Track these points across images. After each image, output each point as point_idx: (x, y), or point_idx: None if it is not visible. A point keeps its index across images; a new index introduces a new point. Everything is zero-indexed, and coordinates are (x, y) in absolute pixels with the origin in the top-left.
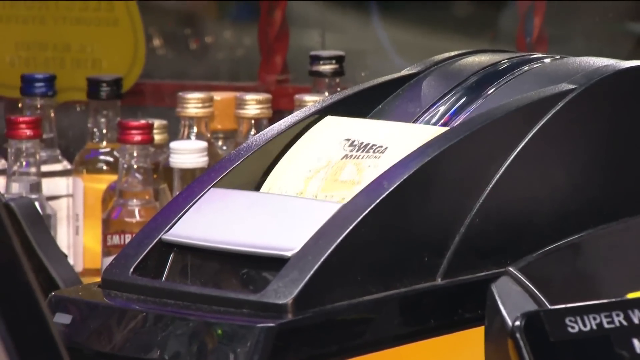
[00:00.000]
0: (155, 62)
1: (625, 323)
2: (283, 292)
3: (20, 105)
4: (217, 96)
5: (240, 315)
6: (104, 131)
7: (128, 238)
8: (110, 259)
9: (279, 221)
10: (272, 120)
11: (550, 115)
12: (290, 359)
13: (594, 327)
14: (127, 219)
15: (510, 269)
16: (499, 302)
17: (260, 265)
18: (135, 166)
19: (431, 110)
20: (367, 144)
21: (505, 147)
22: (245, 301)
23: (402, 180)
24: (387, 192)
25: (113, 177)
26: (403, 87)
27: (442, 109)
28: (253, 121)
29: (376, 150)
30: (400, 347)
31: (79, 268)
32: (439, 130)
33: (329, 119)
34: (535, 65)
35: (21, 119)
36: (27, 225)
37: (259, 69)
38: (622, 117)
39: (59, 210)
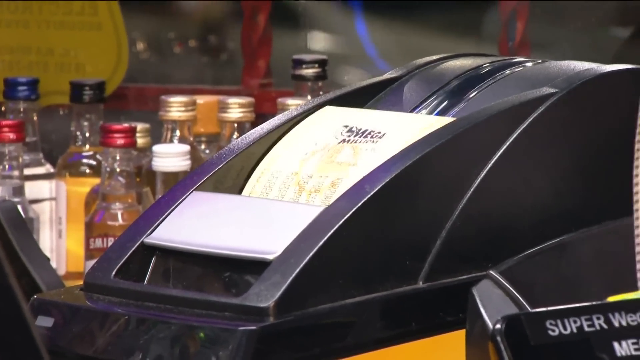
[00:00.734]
0: (138, 66)
1: (605, 326)
2: (265, 296)
3: (3, 108)
4: (200, 100)
5: (222, 318)
6: (87, 135)
7: (111, 241)
8: (93, 262)
9: (261, 224)
10: (254, 124)
11: (531, 119)
12: None
13: (575, 330)
14: (109, 222)
15: (492, 272)
16: (480, 306)
17: (242, 269)
18: (118, 169)
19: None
20: (365, 130)
21: (486, 151)
22: (227, 304)
23: (383, 183)
24: (369, 196)
25: (96, 181)
26: (385, 90)
27: (424, 112)
28: (236, 125)
29: (374, 136)
30: (382, 350)
31: (61, 271)
32: (437, 119)
33: (327, 109)
34: (517, 69)
35: (4, 122)
36: (10, 229)
37: (242, 73)
38: (603, 121)
39: (42, 214)
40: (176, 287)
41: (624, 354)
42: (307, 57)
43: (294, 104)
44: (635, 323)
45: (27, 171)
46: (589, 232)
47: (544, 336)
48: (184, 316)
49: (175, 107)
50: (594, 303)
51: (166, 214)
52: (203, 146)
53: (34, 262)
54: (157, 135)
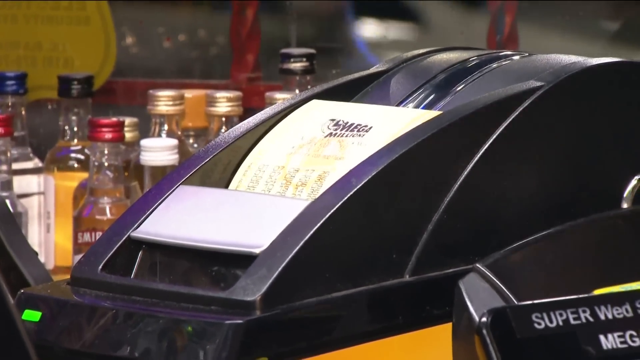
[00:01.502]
0: (126, 60)
1: (591, 319)
2: (251, 289)
3: None
4: (188, 94)
5: (208, 312)
6: (75, 129)
7: (99, 235)
8: (81, 256)
9: (247, 218)
10: (242, 118)
11: (517, 113)
12: (259, 355)
13: (561, 323)
14: (98, 217)
15: (478, 265)
16: (467, 299)
17: (229, 263)
18: (106, 164)
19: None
20: (352, 124)
21: (472, 144)
22: (213, 298)
23: (370, 177)
24: (355, 189)
25: (84, 175)
26: (372, 84)
27: (410, 106)
28: (224, 119)
29: (361, 130)
30: (369, 343)
31: (50, 266)
32: (424, 113)
33: (314, 102)
34: (503, 63)
35: None
36: None
37: (231, 67)
38: (590, 114)
39: (30, 208)
40: (163, 281)
41: (610, 346)
42: (295, 51)
43: (282, 98)
44: (621, 316)
45: (15, 165)
46: (575, 225)
47: (530, 329)
48: (171, 310)
49: (163, 101)
50: (580, 296)
51: (153, 208)
52: (191, 140)
53: (22, 256)
54: (145, 130)
